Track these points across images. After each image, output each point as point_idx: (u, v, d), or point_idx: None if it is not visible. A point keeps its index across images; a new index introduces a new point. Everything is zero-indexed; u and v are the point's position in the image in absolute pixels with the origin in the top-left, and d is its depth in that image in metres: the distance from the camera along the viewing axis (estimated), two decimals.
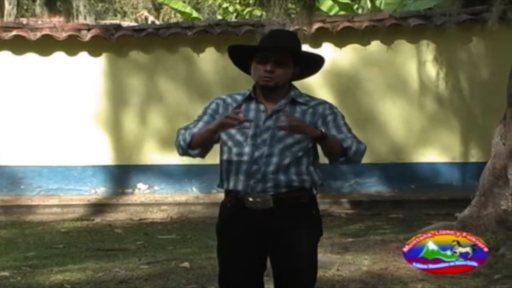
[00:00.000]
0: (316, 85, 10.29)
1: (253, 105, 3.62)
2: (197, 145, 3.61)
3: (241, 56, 3.67)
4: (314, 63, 3.70)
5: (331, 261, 6.30)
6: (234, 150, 3.57)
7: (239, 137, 3.57)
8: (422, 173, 10.92)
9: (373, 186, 10.94)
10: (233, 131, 3.57)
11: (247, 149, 3.54)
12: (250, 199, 3.52)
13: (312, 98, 3.69)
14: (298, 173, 3.54)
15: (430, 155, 10.93)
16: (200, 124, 3.64)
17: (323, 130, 3.47)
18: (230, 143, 3.59)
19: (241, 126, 3.54)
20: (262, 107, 3.60)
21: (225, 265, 3.66)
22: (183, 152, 3.67)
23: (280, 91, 3.60)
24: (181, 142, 3.62)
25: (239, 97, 3.67)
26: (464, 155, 10.95)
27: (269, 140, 3.53)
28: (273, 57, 3.53)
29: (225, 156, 3.61)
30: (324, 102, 3.68)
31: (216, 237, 3.73)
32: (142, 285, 5.93)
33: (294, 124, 3.42)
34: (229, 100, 3.69)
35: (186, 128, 3.66)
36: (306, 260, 3.59)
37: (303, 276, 3.59)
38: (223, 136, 3.60)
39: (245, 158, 3.53)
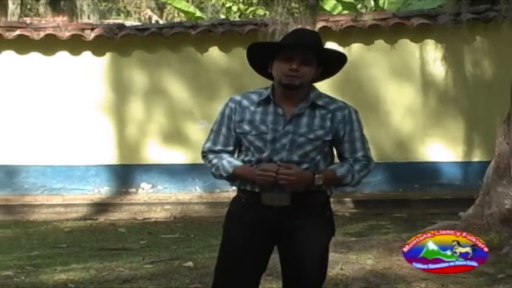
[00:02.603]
0: (319, 84, 10.28)
1: (271, 108, 3.55)
2: (234, 182, 3.64)
3: (261, 55, 3.59)
4: (337, 63, 3.67)
5: (335, 260, 6.28)
6: (256, 155, 3.54)
7: (258, 143, 3.53)
8: (426, 173, 10.91)
9: (377, 186, 10.92)
10: (251, 137, 3.54)
11: (266, 155, 3.51)
12: (267, 197, 3.50)
13: (332, 100, 3.63)
14: None
15: (433, 154, 10.93)
16: (221, 139, 3.62)
17: (316, 178, 3.45)
18: (252, 148, 3.56)
19: (259, 132, 3.53)
20: (280, 110, 3.53)
21: (230, 260, 3.60)
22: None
23: (301, 92, 3.54)
24: (217, 176, 3.63)
25: (255, 97, 3.60)
26: (467, 154, 10.94)
27: (288, 145, 3.50)
28: (299, 56, 3.47)
29: (246, 158, 3.59)
30: (343, 107, 3.61)
31: (223, 231, 3.69)
32: (146, 285, 5.92)
33: (294, 180, 3.43)
34: (245, 102, 3.60)
35: (212, 150, 3.64)
36: (318, 259, 3.59)
37: (314, 274, 3.58)
38: (245, 142, 3.58)
39: (265, 162, 3.50)
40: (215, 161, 3.61)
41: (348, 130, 3.57)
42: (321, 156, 3.55)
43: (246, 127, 3.56)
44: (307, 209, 3.53)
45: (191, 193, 10.95)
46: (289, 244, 3.54)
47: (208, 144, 3.66)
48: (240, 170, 3.55)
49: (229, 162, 3.58)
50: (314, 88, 3.64)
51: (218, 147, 3.63)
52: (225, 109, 3.64)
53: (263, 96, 3.58)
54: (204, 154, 3.68)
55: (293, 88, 3.51)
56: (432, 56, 10.86)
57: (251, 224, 3.55)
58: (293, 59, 3.47)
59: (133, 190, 11.13)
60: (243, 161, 3.60)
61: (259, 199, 3.52)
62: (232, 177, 3.58)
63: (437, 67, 10.86)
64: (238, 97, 3.65)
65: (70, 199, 10.78)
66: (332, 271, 5.98)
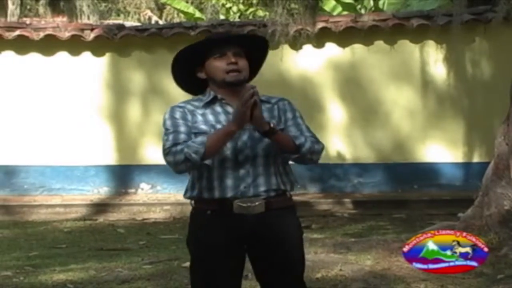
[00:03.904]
0: (319, 85, 10.30)
1: (218, 108, 3.45)
2: (213, 153, 3.32)
3: (187, 64, 3.53)
4: (260, 49, 3.58)
5: (334, 261, 6.29)
6: (217, 156, 3.35)
7: None
8: (425, 173, 10.91)
9: (376, 186, 10.93)
10: None
11: (229, 154, 3.37)
12: (240, 204, 3.35)
13: (271, 96, 3.57)
14: (281, 174, 3.44)
15: (433, 155, 10.93)
16: (182, 136, 3.37)
17: (272, 125, 3.31)
18: None
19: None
20: (229, 108, 3.41)
21: (207, 278, 3.43)
22: (191, 166, 3.36)
23: (242, 90, 3.35)
24: (193, 155, 3.28)
25: (196, 103, 3.49)
26: (467, 155, 10.95)
27: (249, 142, 3.37)
28: (230, 50, 3.41)
29: (207, 161, 3.34)
30: (283, 99, 3.57)
31: (192, 248, 3.49)
32: (145, 285, 5.92)
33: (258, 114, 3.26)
34: (189, 107, 3.46)
35: (176, 143, 3.35)
36: (299, 263, 3.51)
37: (295, 275, 3.50)
38: None
39: (229, 163, 3.37)
40: (180, 147, 3.33)
41: (291, 117, 3.50)
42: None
43: (203, 127, 3.40)
44: (280, 213, 3.42)
45: None
46: (265, 250, 3.43)
47: (169, 142, 3.38)
48: (212, 134, 3.33)
49: (197, 138, 3.35)
50: None
51: (199, 139, 3.37)
52: (174, 113, 3.47)
53: (207, 99, 3.47)
54: (167, 151, 3.37)
55: (239, 83, 3.39)
56: (432, 57, 10.87)
57: (224, 236, 3.38)
58: (227, 53, 3.41)
59: (132, 190, 11.13)
60: (204, 164, 3.37)
61: (230, 208, 3.36)
62: (206, 149, 3.28)
63: (437, 68, 10.87)
64: (180, 104, 3.53)
65: (69, 199, 10.78)
66: (331, 272, 5.99)
